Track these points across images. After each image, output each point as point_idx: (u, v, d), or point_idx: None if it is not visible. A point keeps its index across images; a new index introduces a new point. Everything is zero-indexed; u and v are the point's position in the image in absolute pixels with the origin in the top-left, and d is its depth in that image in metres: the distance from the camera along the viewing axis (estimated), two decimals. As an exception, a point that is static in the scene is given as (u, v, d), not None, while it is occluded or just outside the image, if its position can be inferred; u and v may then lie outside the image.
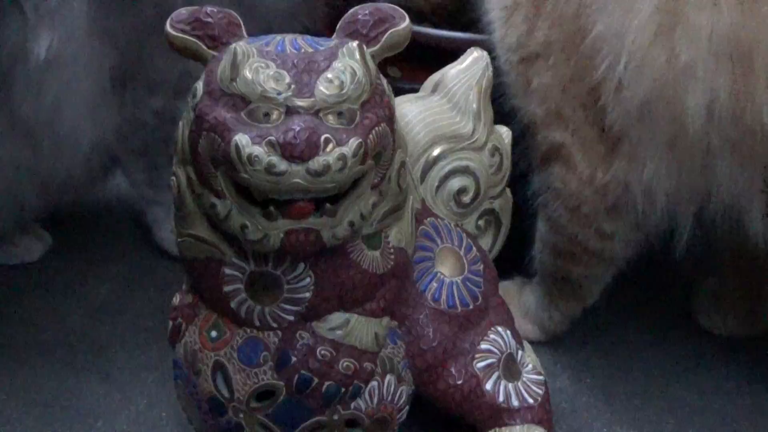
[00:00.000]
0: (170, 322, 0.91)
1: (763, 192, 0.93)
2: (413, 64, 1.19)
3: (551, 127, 1.02)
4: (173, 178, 0.84)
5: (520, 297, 1.16)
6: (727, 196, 0.95)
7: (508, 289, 1.14)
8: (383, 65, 0.85)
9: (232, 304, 0.84)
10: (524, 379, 0.96)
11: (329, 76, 0.78)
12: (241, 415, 0.86)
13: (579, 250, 1.07)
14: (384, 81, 0.84)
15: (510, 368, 0.95)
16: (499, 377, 0.94)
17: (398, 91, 1.00)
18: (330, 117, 0.77)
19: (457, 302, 0.93)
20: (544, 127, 1.02)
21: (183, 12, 0.82)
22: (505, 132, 1.02)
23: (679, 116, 0.91)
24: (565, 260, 1.09)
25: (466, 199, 0.98)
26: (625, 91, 0.93)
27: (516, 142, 1.05)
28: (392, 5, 0.85)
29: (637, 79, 0.92)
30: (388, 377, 0.89)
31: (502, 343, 0.95)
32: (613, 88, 0.94)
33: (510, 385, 0.95)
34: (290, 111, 0.77)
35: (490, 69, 0.99)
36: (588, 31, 0.95)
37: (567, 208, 1.04)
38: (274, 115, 0.77)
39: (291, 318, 0.84)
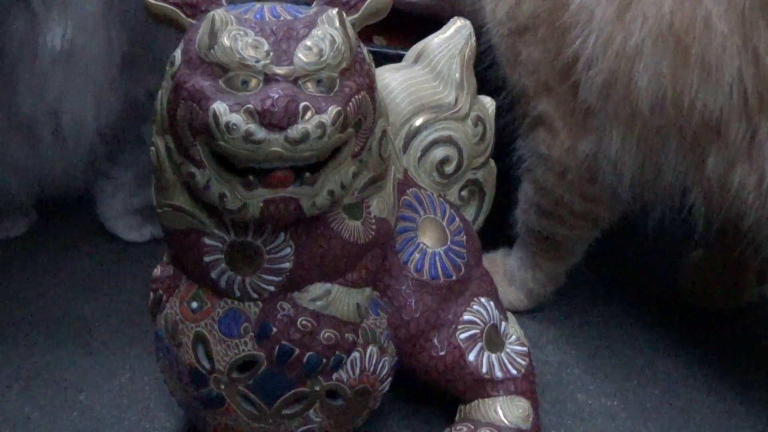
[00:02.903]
0: (151, 294, 0.90)
1: (702, 180, 0.94)
2: (398, 32, 1.19)
3: (539, 97, 1.03)
4: (152, 148, 0.84)
5: (505, 266, 1.16)
6: (675, 179, 0.96)
7: (493, 259, 1.15)
8: (368, 34, 0.85)
9: (213, 275, 0.84)
10: (508, 350, 0.96)
11: (308, 43, 0.77)
12: (223, 387, 0.86)
13: (565, 212, 1.08)
14: (364, 49, 0.83)
15: (493, 339, 0.95)
16: (482, 348, 0.94)
17: (384, 59, 1.00)
18: (309, 85, 0.77)
19: (440, 273, 0.93)
20: (533, 98, 1.03)
21: (162, -20, 0.81)
22: (488, 102, 1.02)
23: (633, 96, 0.92)
24: (550, 221, 1.10)
25: (449, 169, 0.98)
26: (593, 68, 0.94)
27: (501, 112, 1.05)
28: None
29: (602, 56, 0.93)
30: (370, 348, 0.88)
31: (485, 314, 0.95)
32: (583, 63, 0.95)
33: (493, 356, 0.95)
34: (269, 79, 0.76)
35: (473, 38, 0.99)
36: (568, 5, 0.95)
37: (553, 173, 1.05)
38: (253, 83, 0.76)
39: (271, 289, 0.84)
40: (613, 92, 0.94)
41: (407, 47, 1.02)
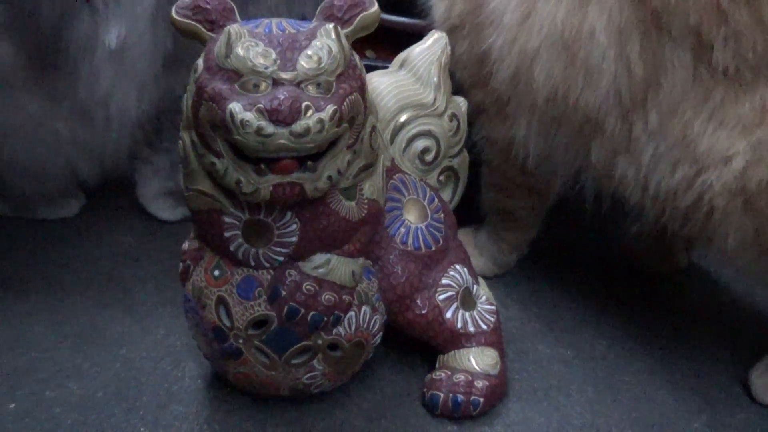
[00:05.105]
0: (181, 264, 0.90)
1: (589, 165, 0.94)
2: (385, 46, 1.18)
3: (473, 89, 1.02)
4: (180, 141, 0.83)
5: (476, 239, 1.16)
6: (568, 162, 0.96)
7: (466, 233, 1.15)
8: (361, 48, 0.84)
9: (231, 248, 0.84)
10: (479, 308, 0.96)
11: (309, 52, 0.77)
12: (241, 341, 0.86)
13: (511, 185, 1.08)
14: (356, 57, 0.83)
15: (467, 299, 0.95)
16: (457, 307, 0.94)
17: (373, 68, 0.99)
18: (310, 87, 0.77)
19: (422, 244, 0.93)
20: (469, 90, 1.03)
21: (186, 0, 0.81)
22: (461, 101, 1.02)
23: (532, 89, 0.92)
24: (502, 194, 1.10)
25: (429, 157, 0.98)
26: (503, 62, 0.94)
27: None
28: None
29: (509, 53, 0.93)
30: (363, 308, 0.89)
31: (459, 278, 0.95)
32: (494, 57, 0.95)
33: (467, 314, 0.95)
34: (276, 82, 0.76)
35: (449, 47, 0.98)
36: (486, 4, 0.95)
37: (494, 151, 1.05)
38: (263, 86, 0.76)
39: (281, 258, 0.84)
40: (518, 85, 0.94)
41: (393, 59, 1.02)
